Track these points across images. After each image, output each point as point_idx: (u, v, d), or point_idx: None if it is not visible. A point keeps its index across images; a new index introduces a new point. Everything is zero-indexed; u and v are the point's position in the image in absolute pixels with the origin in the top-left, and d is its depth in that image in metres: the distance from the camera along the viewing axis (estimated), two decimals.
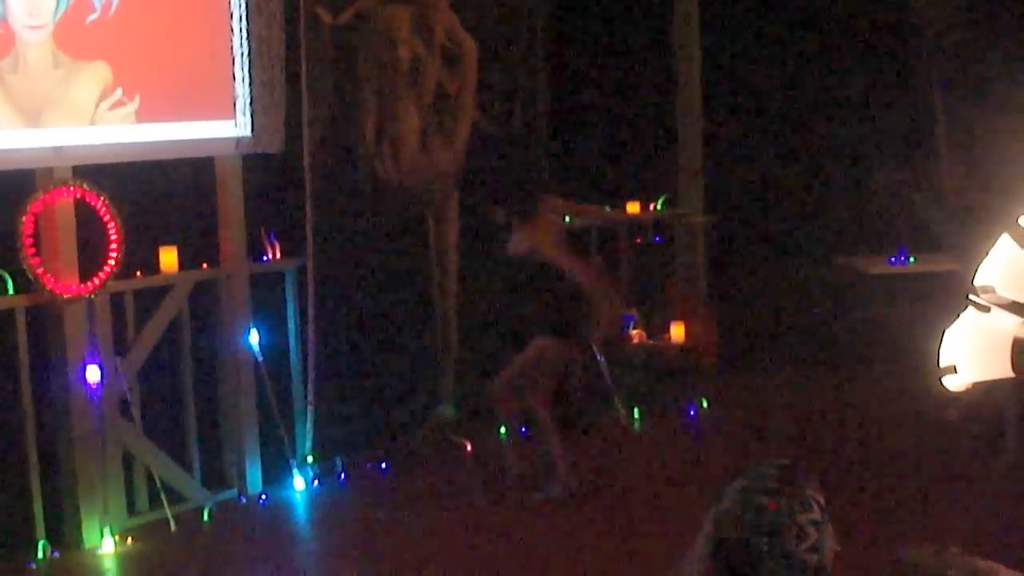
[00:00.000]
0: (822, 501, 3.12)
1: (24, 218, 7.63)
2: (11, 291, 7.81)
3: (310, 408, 9.16)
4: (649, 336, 11.03)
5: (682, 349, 10.91)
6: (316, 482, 9.10)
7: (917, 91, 12.17)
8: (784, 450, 8.91)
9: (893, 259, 11.60)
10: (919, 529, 7.63)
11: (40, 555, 7.89)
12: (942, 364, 4.76)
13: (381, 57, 9.32)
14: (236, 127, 8.65)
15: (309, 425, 9.17)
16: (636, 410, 10.49)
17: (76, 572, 7.83)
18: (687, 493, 8.43)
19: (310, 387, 9.14)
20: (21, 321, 7.85)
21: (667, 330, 10.97)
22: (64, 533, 8.08)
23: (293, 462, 9.04)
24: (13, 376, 7.89)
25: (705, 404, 10.70)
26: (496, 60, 10.17)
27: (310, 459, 9.15)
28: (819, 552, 3.06)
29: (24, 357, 7.87)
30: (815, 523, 3.08)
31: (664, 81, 11.92)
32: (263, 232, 9.06)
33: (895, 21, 12.17)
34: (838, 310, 12.00)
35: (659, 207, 11.73)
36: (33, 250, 7.68)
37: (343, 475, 9.27)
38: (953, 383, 4.80)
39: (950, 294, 5.71)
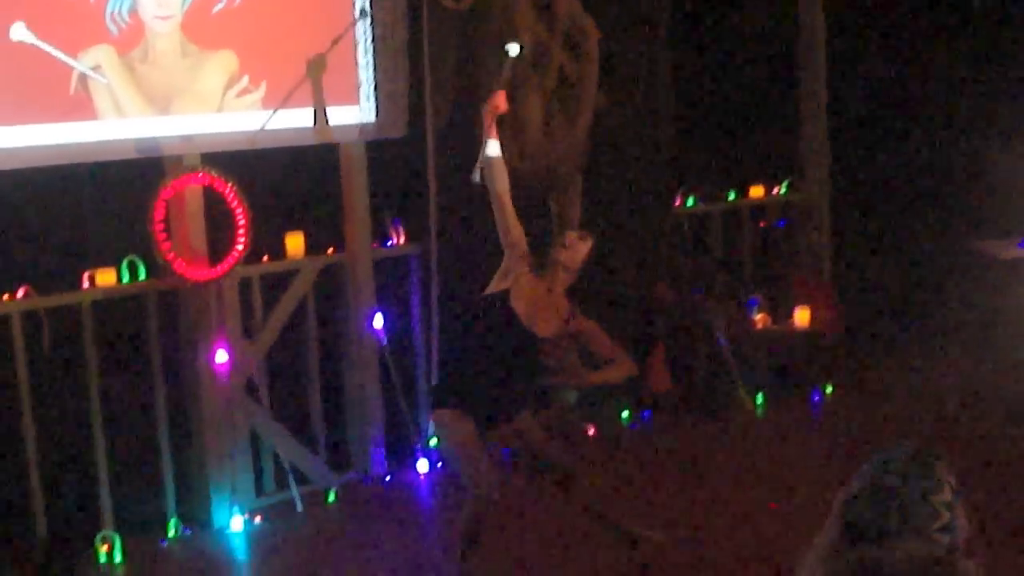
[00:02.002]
0: (954, 482, 3.09)
1: (155, 204, 7.77)
2: (143, 276, 7.98)
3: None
4: (773, 321, 10.94)
5: (807, 334, 10.81)
6: (440, 465, 9.16)
7: None
8: (910, 437, 8.80)
9: None
10: None
11: (172, 533, 8.08)
12: None
13: (503, 42, 9.33)
14: (360, 113, 8.73)
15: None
16: (760, 396, 10.43)
17: (206, 549, 7.99)
18: (812, 479, 8.37)
19: (434, 371, 9.20)
20: (152, 305, 8.02)
21: (791, 315, 10.87)
22: (194, 512, 8.26)
23: (417, 445, 9.12)
24: (144, 359, 8.06)
25: (830, 390, 10.61)
26: (619, 43, 10.13)
27: (434, 442, 9.22)
28: (951, 533, 3.04)
29: (155, 340, 8.05)
30: (947, 504, 3.05)
31: (788, 63, 11.81)
32: (387, 217, 9.14)
33: None
34: (967, 295, 11.81)
35: (783, 190, 11.64)
36: (164, 235, 7.82)
37: None
38: None
39: None
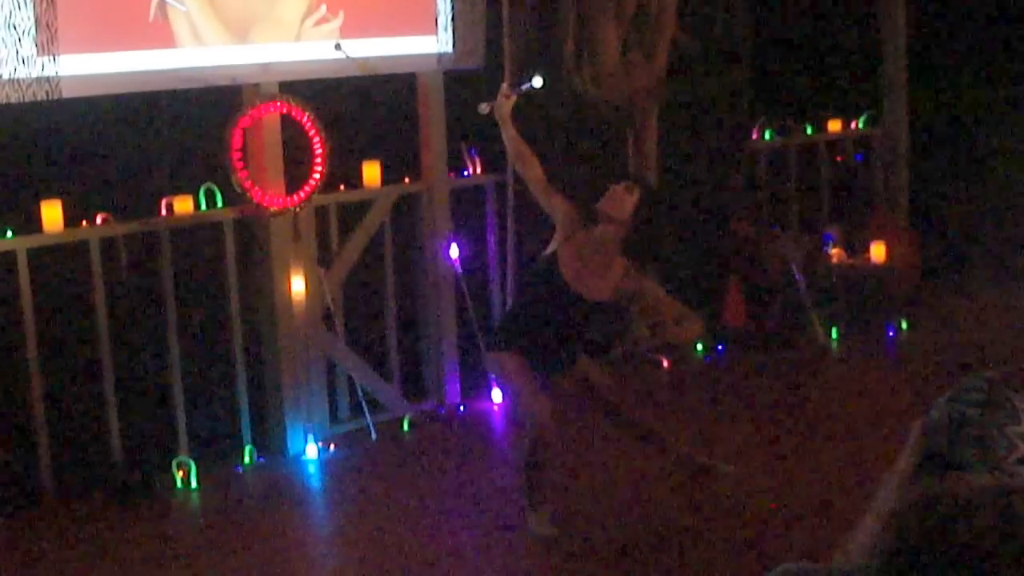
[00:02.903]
0: None
1: (233, 133, 7.81)
2: (220, 204, 8.04)
3: None
4: (849, 256, 10.86)
5: (882, 269, 10.72)
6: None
7: None
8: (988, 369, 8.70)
9: None
10: None
11: (247, 460, 8.16)
12: None
13: None
14: (438, 43, 8.69)
15: None
16: (834, 331, 10.37)
17: (281, 477, 8.06)
18: (885, 414, 8.33)
19: (508, 301, 9.22)
20: (229, 233, 8.07)
21: (867, 250, 10.79)
22: (269, 439, 8.33)
23: (492, 375, 9.14)
24: (221, 286, 8.13)
25: (905, 326, 10.52)
26: None
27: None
28: None
29: (232, 268, 8.10)
30: None
31: None
32: (464, 147, 9.13)
33: None
34: None
35: (861, 125, 11.52)
36: (241, 164, 7.86)
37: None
38: None
39: None
